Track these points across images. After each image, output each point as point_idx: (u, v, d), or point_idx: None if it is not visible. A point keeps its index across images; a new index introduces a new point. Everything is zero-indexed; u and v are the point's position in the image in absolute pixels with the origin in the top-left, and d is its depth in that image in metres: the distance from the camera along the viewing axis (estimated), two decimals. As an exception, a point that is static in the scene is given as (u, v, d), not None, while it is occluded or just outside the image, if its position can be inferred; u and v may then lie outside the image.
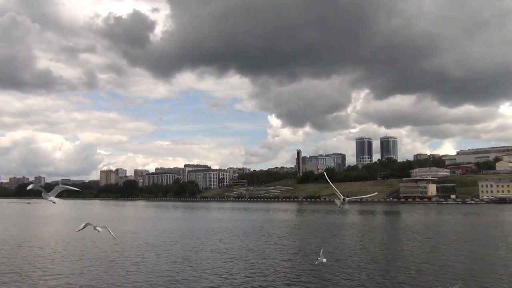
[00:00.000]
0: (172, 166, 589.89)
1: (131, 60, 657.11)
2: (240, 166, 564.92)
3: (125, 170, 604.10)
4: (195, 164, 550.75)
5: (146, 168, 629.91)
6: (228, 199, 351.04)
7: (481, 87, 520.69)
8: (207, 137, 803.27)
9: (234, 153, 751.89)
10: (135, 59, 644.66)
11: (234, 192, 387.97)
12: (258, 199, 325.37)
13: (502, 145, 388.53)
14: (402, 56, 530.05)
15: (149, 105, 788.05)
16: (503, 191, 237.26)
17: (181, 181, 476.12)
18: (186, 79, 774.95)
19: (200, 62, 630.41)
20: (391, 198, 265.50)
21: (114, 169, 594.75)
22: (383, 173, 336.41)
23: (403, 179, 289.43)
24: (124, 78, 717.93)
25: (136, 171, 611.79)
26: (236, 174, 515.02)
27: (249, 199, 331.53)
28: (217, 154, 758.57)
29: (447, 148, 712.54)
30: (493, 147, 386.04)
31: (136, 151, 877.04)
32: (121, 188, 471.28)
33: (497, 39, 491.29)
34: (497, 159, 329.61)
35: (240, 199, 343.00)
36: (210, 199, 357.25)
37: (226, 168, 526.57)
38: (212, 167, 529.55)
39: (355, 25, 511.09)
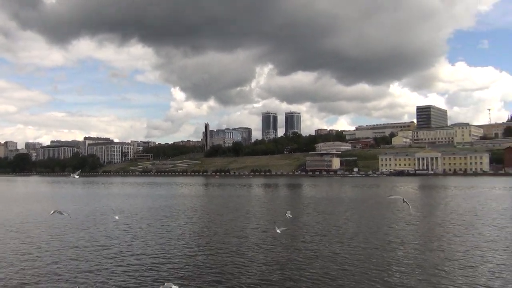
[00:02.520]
0: (69, 139, 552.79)
1: (21, 23, 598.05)
2: (142, 139, 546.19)
3: (16, 143, 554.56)
4: (94, 137, 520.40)
5: (39, 141, 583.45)
6: (133, 173, 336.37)
7: (374, 68, 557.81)
8: (106, 109, 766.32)
9: (135, 126, 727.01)
10: (26, 22, 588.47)
11: (139, 166, 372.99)
12: (165, 173, 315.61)
13: (397, 122, 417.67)
14: (305, 33, 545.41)
15: (41, 73, 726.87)
16: (400, 164, 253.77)
17: (80, 155, 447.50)
18: (84, 46, 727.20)
19: (100, 28, 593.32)
20: (299, 172, 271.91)
21: (2, 142, 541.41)
22: (289, 147, 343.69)
23: (310, 153, 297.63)
24: (13, 42, 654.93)
25: (28, 144, 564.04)
26: (141, 148, 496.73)
27: (156, 174, 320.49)
28: (117, 127, 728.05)
29: (342, 124, 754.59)
30: (389, 123, 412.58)
31: (26, 122, 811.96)
32: (11, 162, 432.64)
33: (390, 22, 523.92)
34: (393, 135, 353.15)
35: (146, 173, 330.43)
36: (113, 174, 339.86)
37: (128, 141, 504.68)
38: (113, 140, 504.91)
39: (260, 0, 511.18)
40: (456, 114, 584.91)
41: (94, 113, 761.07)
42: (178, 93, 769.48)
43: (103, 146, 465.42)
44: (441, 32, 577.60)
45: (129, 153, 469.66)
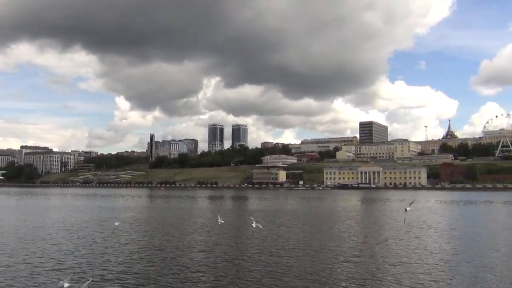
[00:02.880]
0: (4, 148, 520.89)
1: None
2: (83, 149, 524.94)
3: None
4: (32, 145, 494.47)
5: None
6: (74, 184, 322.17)
7: (319, 83, 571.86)
8: (46, 117, 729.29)
9: (77, 135, 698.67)
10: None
11: (80, 176, 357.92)
12: (108, 185, 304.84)
13: (340, 136, 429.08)
14: (253, 47, 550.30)
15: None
16: (344, 178, 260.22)
17: (16, 164, 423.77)
18: (23, 50, 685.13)
19: (41, 33, 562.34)
20: (246, 184, 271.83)
21: None
22: (236, 160, 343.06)
23: (256, 165, 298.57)
24: None
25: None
26: (82, 158, 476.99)
27: (97, 185, 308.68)
28: (57, 136, 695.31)
29: (288, 137, 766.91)
30: (333, 138, 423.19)
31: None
32: None
33: (334, 40, 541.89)
34: (337, 149, 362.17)
35: (87, 184, 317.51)
36: (52, 185, 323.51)
37: (68, 151, 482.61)
38: (53, 150, 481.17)
39: (209, 12, 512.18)
40: (395, 130, 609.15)
41: (33, 121, 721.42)
42: (122, 102, 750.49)
43: (41, 156, 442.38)
44: (382, 52, 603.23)
45: (70, 163, 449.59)
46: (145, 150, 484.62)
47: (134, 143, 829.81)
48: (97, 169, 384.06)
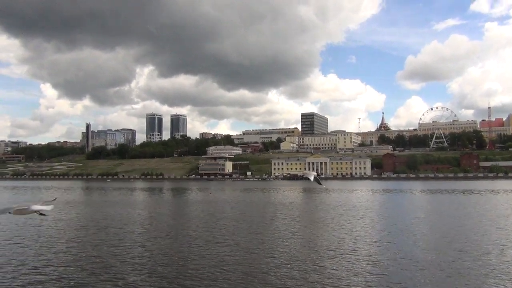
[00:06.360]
0: None
1: None
2: (4, 139, 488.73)
3: None
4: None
5: None
6: (3, 177, 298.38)
7: (254, 74, 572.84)
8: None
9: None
10: None
11: (9, 168, 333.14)
12: (43, 177, 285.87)
13: (283, 127, 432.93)
14: (187, 36, 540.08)
15: None
16: (291, 168, 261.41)
17: None
18: None
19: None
20: (193, 175, 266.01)
21: None
22: (179, 150, 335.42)
23: (202, 156, 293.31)
24: None
25: None
26: (9, 148, 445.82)
27: (31, 177, 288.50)
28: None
29: (223, 128, 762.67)
30: (274, 129, 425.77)
31: None
32: None
33: (269, 32, 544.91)
34: (280, 140, 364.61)
35: (18, 176, 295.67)
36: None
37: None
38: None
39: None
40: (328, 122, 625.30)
41: None
42: (49, 90, 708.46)
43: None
44: (315, 45, 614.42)
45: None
46: (78, 141, 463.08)
47: (62, 133, 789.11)
48: (27, 160, 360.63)
